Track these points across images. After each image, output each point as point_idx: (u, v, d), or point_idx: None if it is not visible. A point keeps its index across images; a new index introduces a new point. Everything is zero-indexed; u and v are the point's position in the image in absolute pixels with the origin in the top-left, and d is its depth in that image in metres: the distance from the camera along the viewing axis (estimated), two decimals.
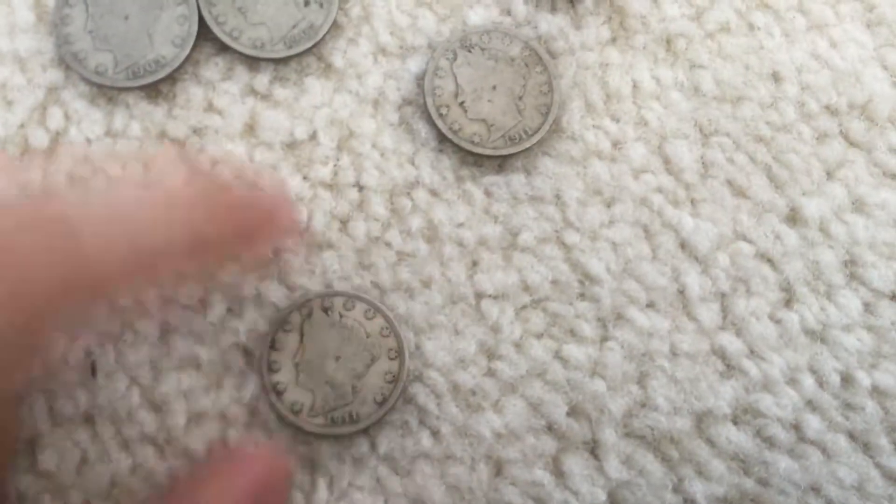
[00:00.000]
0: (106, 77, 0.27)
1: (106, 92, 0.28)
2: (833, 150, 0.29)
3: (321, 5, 0.28)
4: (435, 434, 0.26)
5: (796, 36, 0.30)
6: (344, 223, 0.27)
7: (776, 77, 0.29)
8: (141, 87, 0.27)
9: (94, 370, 0.26)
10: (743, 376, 0.27)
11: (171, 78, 0.28)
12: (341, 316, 0.26)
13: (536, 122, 0.28)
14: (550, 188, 0.28)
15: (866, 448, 0.27)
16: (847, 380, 0.27)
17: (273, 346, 0.26)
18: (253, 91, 0.28)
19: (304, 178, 0.28)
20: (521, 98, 0.28)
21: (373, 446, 0.26)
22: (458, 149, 0.28)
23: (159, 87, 0.28)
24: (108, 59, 0.27)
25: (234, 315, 0.27)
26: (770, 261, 0.28)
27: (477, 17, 0.29)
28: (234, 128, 0.28)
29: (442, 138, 0.28)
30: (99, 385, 0.26)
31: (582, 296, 0.27)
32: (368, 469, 0.26)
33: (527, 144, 0.28)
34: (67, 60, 0.27)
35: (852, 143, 0.29)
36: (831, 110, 0.29)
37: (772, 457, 0.26)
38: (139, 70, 0.27)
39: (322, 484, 0.26)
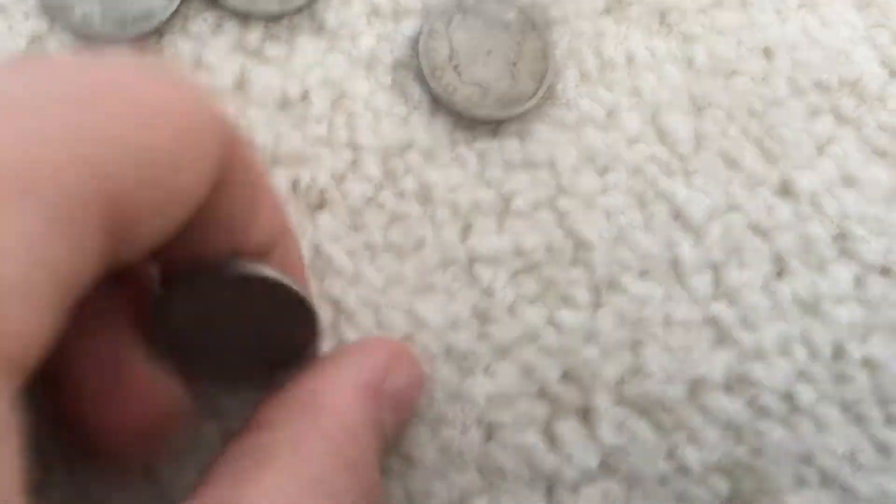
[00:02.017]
0: (92, 28, 0.27)
1: (91, 43, 0.27)
2: (824, 125, 0.29)
3: None
4: (426, 396, 0.26)
5: (788, 14, 0.30)
6: (339, 182, 0.27)
7: (768, 53, 0.29)
8: (128, 40, 0.27)
9: None
10: (735, 346, 0.27)
11: (159, 31, 0.27)
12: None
13: (531, 87, 0.28)
14: (544, 154, 0.28)
15: (858, 419, 0.27)
16: (838, 351, 0.27)
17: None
18: (243, 48, 0.28)
19: (303, 136, 0.27)
20: (515, 63, 0.28)
21: None
22: (452, 112, 0.28)
23: (146, 41, 0.27)
24: (96, 8, 0.27)
25: None
26: (762, 233, 0.28)
27: None
28: (223, 84, 0.27)
29: (436, 101, 0.28)
30: None
31: (575, 262, 0.27)
32: None
33: (521, 109, 0.27)
34: (52, 9, 0.27)
35: (842, 120, 0.29)
36: (822, 87, 0.29)
37: (764, 426, 0.26)
38: (126, 21, 0.27)
39: None
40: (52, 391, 0.21)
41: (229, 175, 0.19)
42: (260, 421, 0.21)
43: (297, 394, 0.22)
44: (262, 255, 0.21)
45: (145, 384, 0.22)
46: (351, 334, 0.26)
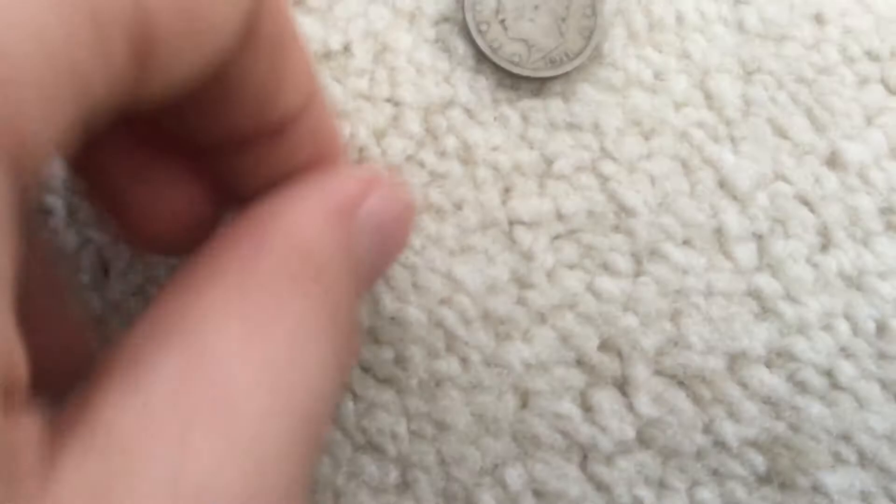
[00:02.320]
0: None
1: None
2: (873, 95, 0.28)
3: None
4: (463, 361, 0.25)
5: None
6: (379, 138, 0.26)
7: (819, 19, 0.28)
8: None
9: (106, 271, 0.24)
10: (778, 319, 0.26)
11: None
12: None
13: (578, 45, 0.27)
14: (589, 116, 0.27)
15: None
16: (882, 328, 0.26)
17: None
18: None
19: (343, 90, 0.26)
20: (563, 20, 0.27)
21: (401, 365, 0.25)
22: (496, 69, 0.27)
23: None
24: None
25: None
26: (808, 203, 0.27)
27: None
28: None
29: (480, 57, 0.27)
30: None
31: (617, 228, 0.26)
32: (395, 387, 0.25)
33: (567, 68, 0.27)
34: None
35: (892, 91, 0.28)
36: (872, 56, 0.28)
37: (804, 402, 0.26)
38: None
39: (348, 400, 0.25)
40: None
41: (258, 28, 0.17)
42: (206, 251, 0.19)
43: (249, 219, 0.19)
44: (292, 120, 0.19)
45: (171, 187, 0.21)
46: (387, 298, 0.25)
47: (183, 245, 0.21)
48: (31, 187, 0.14)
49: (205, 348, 0.16)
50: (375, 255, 0.21)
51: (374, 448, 0.25)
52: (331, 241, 0.19)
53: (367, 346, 0.25)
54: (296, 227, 0.18)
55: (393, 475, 0.25)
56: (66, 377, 0.20)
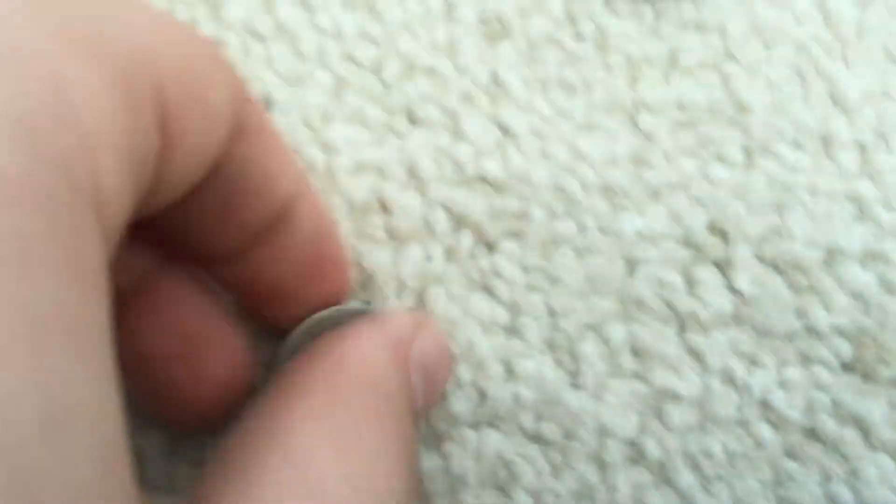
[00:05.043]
0: None
1: None
2: None
3: None
4: (580, 225, 0.27)
5: None
6: (522, 16, 0.28)
7: None
8: None
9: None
10: (874, 223, 0.28)
11: None
12: None
13: None
14: (716, 20, 0.29)
15: None
16: None
17: None
18: None
19: None
20: None
21: (524, 220, 0.27)
22: None
23: None
24: None
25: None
26: None
27: None
28: None
29: None
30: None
31: (733, 123, 0.28)
32: (518, 239, 0.27)
33: None
34: None
35: None
36: None
37: (892, 302, 0.27)
38: None
39: (468, 236, 0.27)
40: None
41: (246, 118, 0.19)
42: (288, 370, 0.21)
43: (323, 348, 0.22)
44: (289, 209, 0.21)
45: (217, 348, 0.23)
46: (516, 159, 0.27)
47: (221, 416, 0.23)
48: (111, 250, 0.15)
49: (303, 466, 0.19)
50: (423, 388, 0.23)
51: (487, 289, 0.27)
52: (395, 373, 0.21)
53: (493, 198, 0.27)
54: (367, 359, 0.21)
55: (503, 317, 0.27)
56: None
